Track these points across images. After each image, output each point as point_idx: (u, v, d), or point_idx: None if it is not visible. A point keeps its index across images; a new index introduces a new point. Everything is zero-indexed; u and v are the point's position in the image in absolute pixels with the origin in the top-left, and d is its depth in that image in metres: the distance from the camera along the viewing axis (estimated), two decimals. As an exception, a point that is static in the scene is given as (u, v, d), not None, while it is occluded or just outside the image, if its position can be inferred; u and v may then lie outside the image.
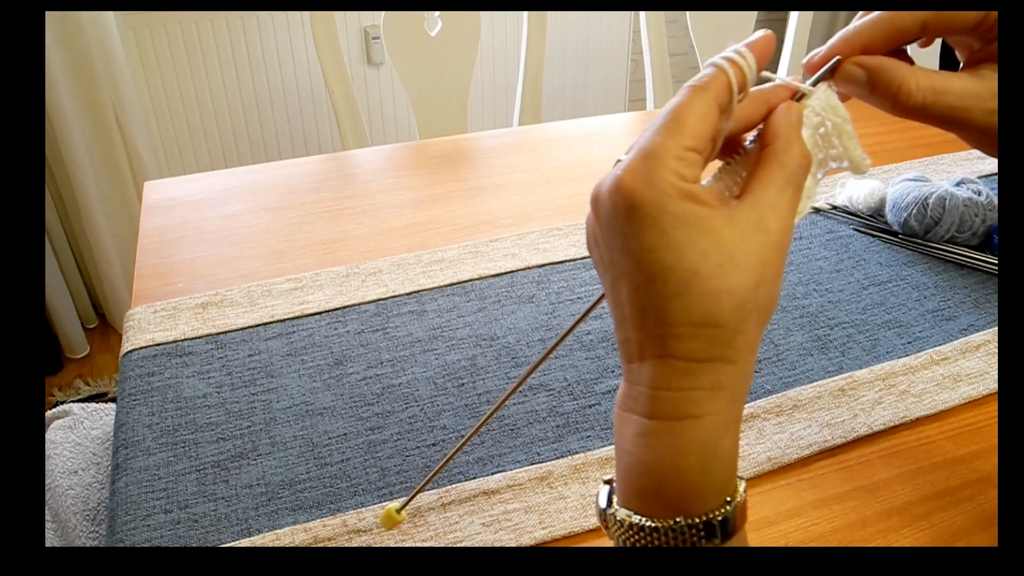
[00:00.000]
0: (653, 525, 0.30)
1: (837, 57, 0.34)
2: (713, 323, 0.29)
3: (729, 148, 0.34)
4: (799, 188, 0.31)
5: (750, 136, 0.34)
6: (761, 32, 0.33)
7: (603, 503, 0.33)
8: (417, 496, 0.49)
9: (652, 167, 0.29)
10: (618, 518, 0.31)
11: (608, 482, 0.33)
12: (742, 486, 0.31)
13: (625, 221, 0.29)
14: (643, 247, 0.29)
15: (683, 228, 0.28)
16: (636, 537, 0.30)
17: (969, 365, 0.60)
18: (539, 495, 0.50)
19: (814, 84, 0.34)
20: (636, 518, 0.30)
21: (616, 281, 0.31)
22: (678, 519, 0.30)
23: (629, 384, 0.31)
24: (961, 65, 0.36)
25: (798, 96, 0.34)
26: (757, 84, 0.33)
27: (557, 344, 0.37)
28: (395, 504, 0.42)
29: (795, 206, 0.31)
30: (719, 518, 0.30)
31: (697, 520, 0.29)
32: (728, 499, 0.30)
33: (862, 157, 0.34)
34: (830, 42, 0.35)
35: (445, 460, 0.41)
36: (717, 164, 0.34)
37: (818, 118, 0.34)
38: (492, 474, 0.51)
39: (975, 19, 0.34)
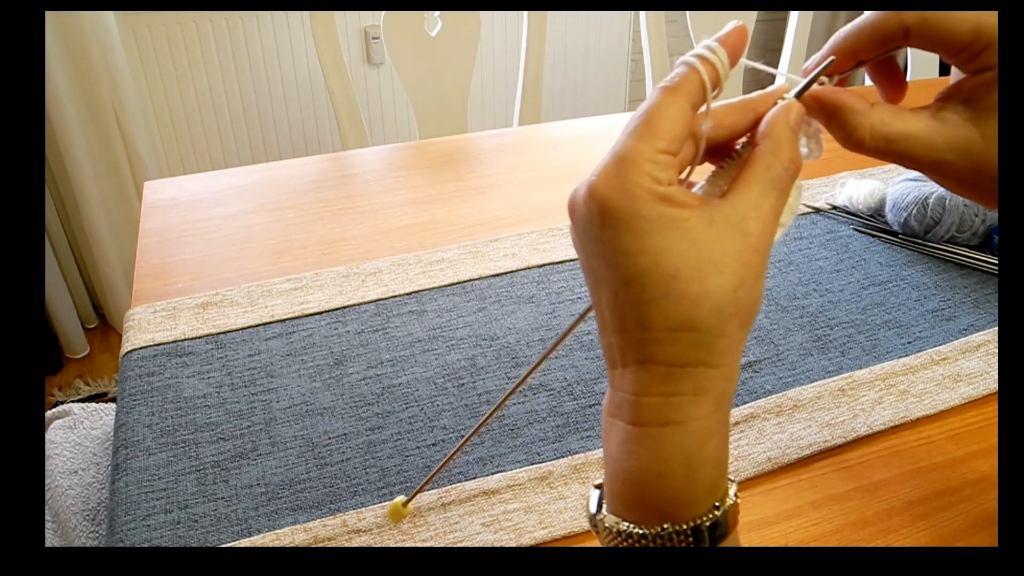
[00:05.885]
0: (641, 532, 0.30)
1: (831, 58, 0.34)
2: (693, 327, 0.28)
3: (723, 153, 0.33)
4: (784, 192, 0.30)
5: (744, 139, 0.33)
6: (732, 24, 0.32)
7: (593, 508, 0.32)
8: (418, 496, 0.49)
9: (624, 171, 0.28)
10: (607, 524, 0.31)
11: (599, 486, 0.33)
12: (732, 489, 0.31)
13: (600, 227, 0.29)
14: (618, 252, 0.28)
15: (659, 231, 0.28)
16: (625, 543, 0.30)
17: (969, 365, 0.60)
18: (539, 495, 0.50)
19: (806, 87, 0.33)
20: (624, 525, 0.30)
21: (596, 286, 0.30)
22: (665, 525, 0.29)
23: (613, 390, 0.31)
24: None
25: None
26: (757, 85, 0.33)
27: (556, 345, 0.37)
28: (401, 498, 0.43)
29: (779, 210, 0.30)
30: (707, 523, 0.29)
31: (684, 526, 0.29)
32: (716, 504, 0.30)
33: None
34: (824, 49, 0.35)
35: (454, 451, 0.42)
36: (710, 169, 0.33)
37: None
38: (492, 474, 0.51)
39: (962, 40, 0.32)
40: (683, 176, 0.33)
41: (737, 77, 1.43)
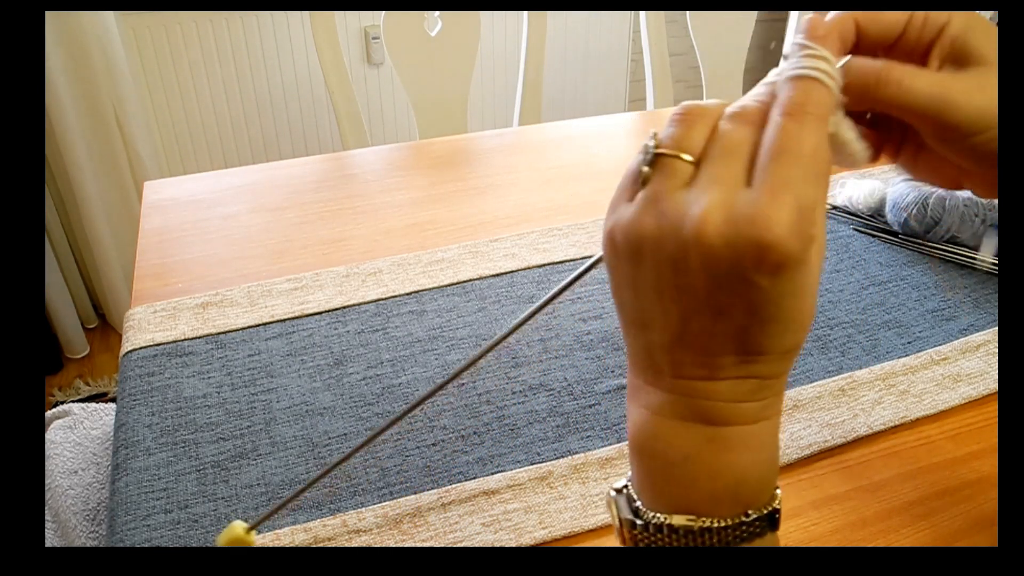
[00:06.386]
0: (722, 525, 0.30)
1: (849, 56, 0.32)
2: (796, 347, 0.30)
3: None
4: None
5: None
6: (811, 15, 0.31)
7: (627, 513, 0.32)
8: (417, 495, 0.49)
9: (806, 227, 0.27)
10: (674, 525, 0.30)
11: (619, 491, 0.33)
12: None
13: (765, 275, 0.27)
14: (772, 298, 0.27)
15: (808, 273, 0.28)
16: (692, 541, 0.31)
17: (969, 365, 0.60)
18: (539, 495, 0.50)
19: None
20: (703, 521, 0.30)
21: (699, 314, 0.29)
22: (749, 512, 0.30)
23: (685, 397, 0.30)
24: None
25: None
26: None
27: (519, 325, 0.37)
28: (240, 524, 0.41)
29: None
30: (776, 506, 0.31)
31: (764, 511, 0.31)
32: (775, 490, 0.32)
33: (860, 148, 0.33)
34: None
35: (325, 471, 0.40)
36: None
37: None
38: (492, 474, 0.51)
39: (900, 23, 0.32)
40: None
41: (737, 76, 1.43)
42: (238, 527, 0.42)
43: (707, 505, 0.31)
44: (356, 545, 0.47)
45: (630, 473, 0.33)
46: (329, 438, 0.54)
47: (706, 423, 0.30)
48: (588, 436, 0.54)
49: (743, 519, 0.30)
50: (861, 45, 0.33)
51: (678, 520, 0.31)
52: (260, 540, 0.47)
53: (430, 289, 0.69)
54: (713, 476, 0.30)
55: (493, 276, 0.70)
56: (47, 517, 0.69)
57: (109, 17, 1.51)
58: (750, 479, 0.31)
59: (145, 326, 0.64)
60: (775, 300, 0.28)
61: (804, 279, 0.28)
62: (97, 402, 0.83)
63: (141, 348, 0.62)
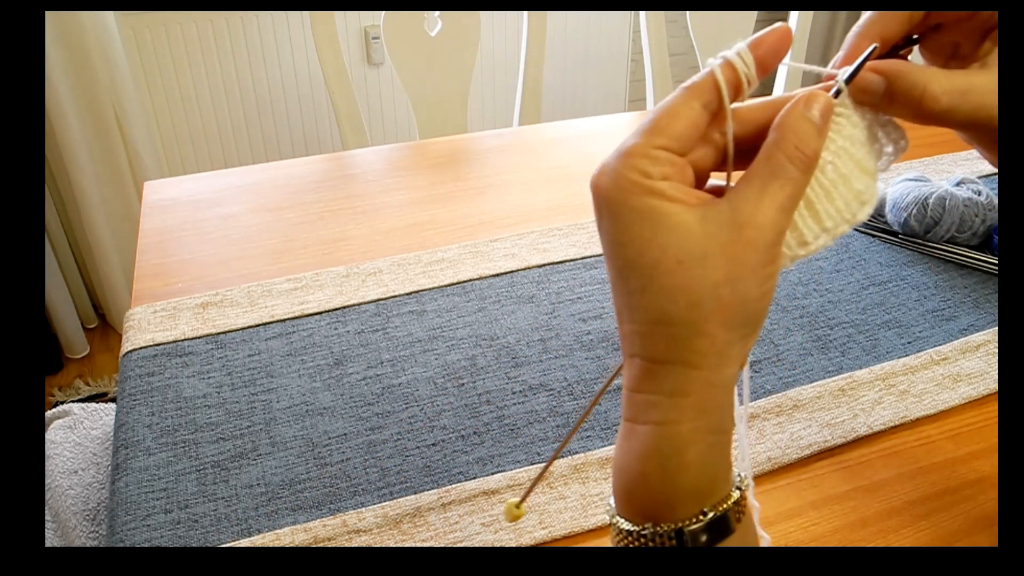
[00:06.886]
0: (628, 528, 0.30)
1: (875, 45, 0.31)
2: (668, 321, 0.28)
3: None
4: (791, 182, 0.29)
5: None
6: (775, 26, 0.31)
7: (611, 500, 0.33)
8: (417, 495, 0.49)
9: (618, 164, 0.29)
10: (608, 516, 0.32)
11: None
12: (734, 496, 0.30)
13: (598, 218, 0.30)
14: (611, 242, 0.29)
15: (644, 223, 0.28)
16: (622, 539, 0.31)
17: (969, 365, 0.60)
18: (539, 495, 0.50)
19: (853, 75, 0.31)
20: (617, 519, 0.31)
21: (609, 271, 0.31)
22: (646, 525, 0.29)
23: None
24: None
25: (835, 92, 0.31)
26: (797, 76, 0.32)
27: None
28: (515, 500, 0.42)
29: (783, 202, 0.29)
30: (690, 527, 0.29)
31: (666, 528, 0.29)
32: (705, 510, 0.29)
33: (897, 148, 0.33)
34: (846, 43, 0.33)
35: (554, 454, 0.41)
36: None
37: (868, 114, 0.32)
38: (492, 474, 0.51)
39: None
40: (709, 180, 0.33)
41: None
42: (512, 502, 0.42)
43: (618, 504, 0.31)
44: (356, 545, 0.47)
45: None
46: (329, 438, 0.54)
47: (622, 414, 0.31)
48: (588, 436, 0.54)
49: (641, 529, 0.29)
50: (932, 18, 0.33)
51: (611, 512, 0.31)
52: (260, 540, 0.47)
53: (430, 289, 0.69)
54: (616, 475, 0.31)
55: (493, 276, 0.70)
56: (47, 517, 0.69)
57: (109, 17, 1.51)
58: (637, 488, 0.30)
59: (145, 326, 0.64)
60: (613, 244, 0.29)
61: (636, 228, 0.28)
62: (97, 402, 0.83)
63: (141, 348, 0.62)
